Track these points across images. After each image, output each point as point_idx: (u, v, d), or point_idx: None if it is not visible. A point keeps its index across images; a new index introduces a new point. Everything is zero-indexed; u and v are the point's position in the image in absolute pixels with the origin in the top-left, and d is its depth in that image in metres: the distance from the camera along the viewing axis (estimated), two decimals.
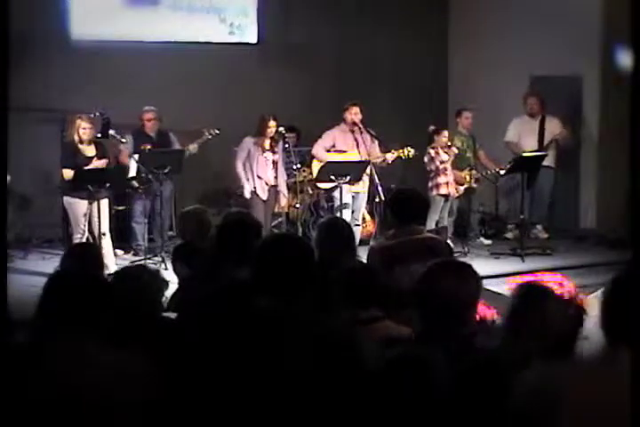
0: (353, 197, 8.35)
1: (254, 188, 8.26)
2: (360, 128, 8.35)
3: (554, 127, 9.52)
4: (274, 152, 8.32)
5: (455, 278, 2.97)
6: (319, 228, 4.91)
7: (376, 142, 8.44)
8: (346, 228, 4.87)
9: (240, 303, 2.85)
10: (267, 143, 8.30)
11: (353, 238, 4.93)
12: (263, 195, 8.29)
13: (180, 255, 5.20)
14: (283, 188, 8.49)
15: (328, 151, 8.43)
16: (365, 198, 8.58)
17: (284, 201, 8.53)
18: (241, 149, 8.33)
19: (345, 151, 8.39)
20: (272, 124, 8.21)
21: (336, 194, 8.18)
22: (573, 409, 2.26)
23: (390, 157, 8.34)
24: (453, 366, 2.63)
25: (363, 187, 8.42)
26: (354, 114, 8.31)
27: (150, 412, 2.44)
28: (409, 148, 8.34)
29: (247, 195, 8.27)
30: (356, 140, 8.39)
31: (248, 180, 8.25)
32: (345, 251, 4.63)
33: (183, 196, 8.75)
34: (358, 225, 8.47)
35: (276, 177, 8.32)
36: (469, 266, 3.13)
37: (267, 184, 8.30)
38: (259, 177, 8.26)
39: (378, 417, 2.59)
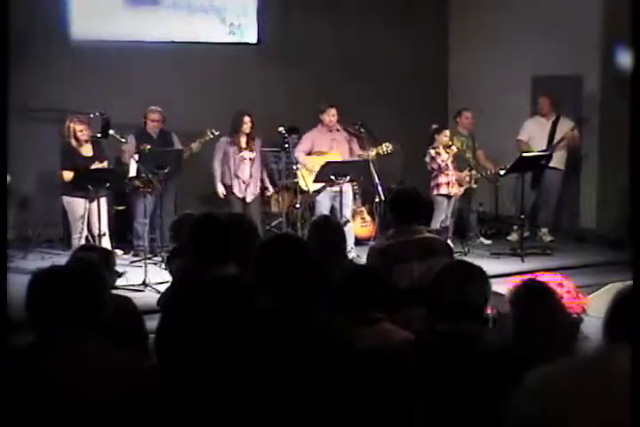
0: (334, 196, 8.28)
1: (231, 186, 8.28)
2: (338, 129, 8.40)
3: (565, 129, 9.43)
4: (251, 150, 8.32)
5: (469, 280, 3.00)
6: (309, 227, 4.92)
7: (355, 140, 8.46)
8: (335, 227, 4.86)
9: (217, 302, 2.82)
10: (242, 141, 8.29)
11: (343, 237, 4.93)
12: (240, 193, 8.30)
13: (175, 257, 5.19)
14: (265, 182, 8.62)
15: (309, 154, 8.43)
16: (351, 194, 8.56)
17: (271, 191, 8.78)
18: (217, 149, 8.36)
19: (325, 153, 8.38)
20: (246, 119, 8.21)
21: (319, 198, 8.28)
22: (573, 409, 2.26)
23: (372, 155, 8.30)
24: (462, 363, 2.64)
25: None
26: (331, 115, 8.36)
27: (151, 412, 2.43)
28: (387, 143, 8.32)
29: (220, 194, 8.34)
30: (334, 140, 8.42)
31: (223, 178, 8.32)
32: (335, 250, 4.63)
33: (181, 196, 8.75)
34: (348, 221, 8.40)
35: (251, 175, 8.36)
36: (481, 268, 3.15)
37: (244, 183, 8.31)
38: (236, 176, 8.27)
39: (374, 416, 2.59)
